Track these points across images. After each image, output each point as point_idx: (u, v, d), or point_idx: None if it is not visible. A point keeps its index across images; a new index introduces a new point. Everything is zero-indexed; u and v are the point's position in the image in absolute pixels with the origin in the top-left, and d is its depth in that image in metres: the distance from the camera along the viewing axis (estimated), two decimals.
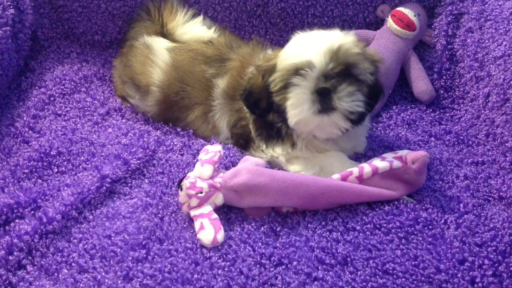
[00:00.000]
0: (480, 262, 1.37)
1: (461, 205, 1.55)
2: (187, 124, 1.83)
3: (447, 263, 1.36)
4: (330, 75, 1.52)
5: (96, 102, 1.95)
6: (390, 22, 2.10)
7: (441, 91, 2.06)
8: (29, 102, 1.90)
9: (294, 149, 1.66)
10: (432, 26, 2.14)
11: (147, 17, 2.02)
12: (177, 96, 1.82)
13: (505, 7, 1.88)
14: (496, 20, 1.90)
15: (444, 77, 2.06)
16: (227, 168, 1.59)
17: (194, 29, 1.98)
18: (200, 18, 2.03)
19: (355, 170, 1.55)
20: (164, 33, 1.96)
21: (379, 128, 1.92)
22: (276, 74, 1.58)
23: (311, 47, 1.55)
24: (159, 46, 1.86)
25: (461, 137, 1.87)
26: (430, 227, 1.47)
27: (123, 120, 1.88)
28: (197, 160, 1.55)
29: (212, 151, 1.54)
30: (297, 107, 1.55)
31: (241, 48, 1.82)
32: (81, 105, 1.93)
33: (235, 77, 1.74)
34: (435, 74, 2.08)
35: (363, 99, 1.56)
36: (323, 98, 1.52)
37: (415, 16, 2.10)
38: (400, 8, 2.12)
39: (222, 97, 1.76)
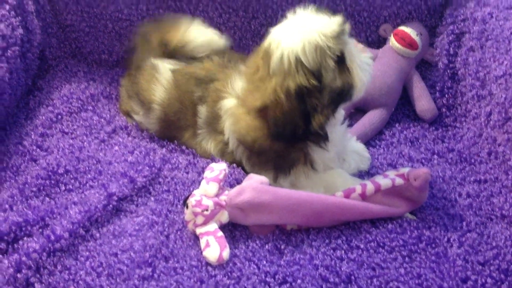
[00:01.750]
0: (483, 280, 1.38)
1: (464, 223, 1.56)
2: (184, 144, 1.85)
3: (450, 282, 1.38)
4: None
5: (102, 120, 1.97)
6: (392, 41, 2.13)
7: (443, 110, 2.08)
8: (37, 121, 1.93)
9: (305, 177, 1.67)
10: (434, 45, 2.17)
11: (147, 43, 2.02)
12: (175, 116, 1.84)
13: (506, 26, 1.91)
14: (497, 39, 1.92)
15: (446, 95, 2.08)
16: (231, 186, 1.61)
17: (201, 32, 1.94)
18: (199, 20, 1.98)
19: (358, 188, 1.57)
20: (171, 53, 1.96)
21: (382, 146, 1.94)
22: (323, 66, 1.52)
23: (314, 21, 1.56)
24: (164, 66, 1.88)
25: (464, 155, 1.89)
26: (433, 245, 1.49)
27: (129, 138, 1.90)
28: (203, 178, 1.57)
29: (217, 169, 1.56)
30: (363, 62, 1.61)
31: (229, 68, 1.79)
32: (88, 123, 1.95)
33: (211, 106, 1.74)
34: (437, 93, 2.10)
35: None
36: None
37: (417, 35, 2.12)
38: (402, 27, 2.15)
39: (205, 126, 1.78)
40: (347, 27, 1.57)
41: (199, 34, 1.93)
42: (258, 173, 1.62)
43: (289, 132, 1.55)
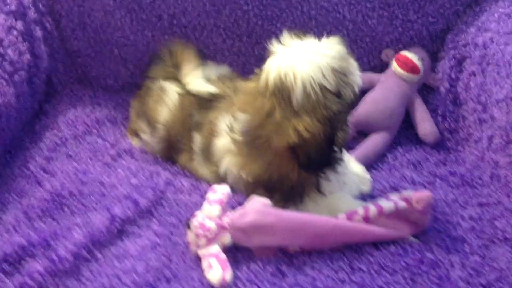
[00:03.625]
0: None
1: (466, 246, 1.56)
2: (182, 167, 1.88)
3: None
4: None
5: (107, 143, 1.99)
6: (394, 65, 2.15)
7: (446, 133, 2.09)
8: (42, 144, 1.95)
9: (312, 202, 1.66)
10: (436, 70, 2.19)
11: (161, 63, 2.05)
12: (175, 137, 1.87)
13: (507, 51, 1.92)
14: (497, 64, 1.94)
15: (448, 119, 2.10)
16: (233, 208, 1.62)
17: (194, 82, 1.92)
18: (199, 71, 1.94)
19: (360, 211, 1.57)
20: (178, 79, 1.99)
21: (384, 169, 1.94)
22: (345, 82, 1.54)
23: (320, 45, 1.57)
24: (172, 89, 1.92)
25: (466, 179, 1.89)
26: (436, 267, 1.48)
27: (133, 161, 1.91)
28: (205, 200, 1.58)
29: (220, 191, 1.57)
30: None
31: (226, 100, 1.78)
32: (92, 147, 1.97)
33: (206, 137, 1.75)
34: (439, 117, 2.11)
35: None
36: None
37: (419, 60, 2.15)
38: (404, 52, 2.17)
39: (200, 152, 1.79)
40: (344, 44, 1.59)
41: (214, 70, 1.97)
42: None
43: (319, 161, 1.54)
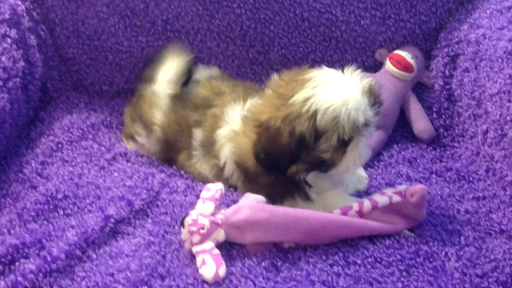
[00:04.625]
0: None
1: (462, 238, 1.55)
2: (180, 166, 1.89)
3: None
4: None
5: (102, 148, 1.99)
6: (388, 64, 2.16)
7: (441, 130, 2.10)
8: (38, 150, 1.95)
9: (305, 200, 1.68)
10: (430, 68, 2.20)
11: (155, 67, 2.06)
12: (173, 138, 1.88)
13: (499, 46, 1.93)
14: (490, 59, 1.94)
15: (443, 116, 2.10)
16: (229, 207, 1.61)
17: (159, 83, 1.95)
18: (169, 73, 1.94)
19: (355, 205, 1.57)
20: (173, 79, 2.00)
21: (380, 166, 1.94)
22: (328, 138, 1.53)
23: (356, 100, 1.51)
24: (163, 92, 1.92)
25: (462, 174, 1.89)
26: (431, 259, 1.47)
27: (129, 164, 1.91)
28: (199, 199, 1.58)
29: (214, 188, 1.57)
30: (361, 155, 1.59)
31: (226, 95, 1.82)
32: (88, 152, 1.97)
33: (208, 131, 1.78)
34: (434, 114, 2.12)
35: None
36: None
37: (412, 58, 2.15)
38: (397, 51, 2.18)
39: (200, 148, 1.81)
40: (374, 119, 1.58)
41: (204, 72, 2.00)
42: None
43: (270, 160, 1.58)
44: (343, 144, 1.55)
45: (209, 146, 1.78)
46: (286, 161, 1.57)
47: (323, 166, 1.59)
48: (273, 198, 1.66)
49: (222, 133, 1.74)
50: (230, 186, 1.75)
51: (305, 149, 1.55)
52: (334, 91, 1.51)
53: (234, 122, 1.71)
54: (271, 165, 1.60)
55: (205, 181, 1.78)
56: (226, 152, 1.73)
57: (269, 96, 1.63)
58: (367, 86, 1.55)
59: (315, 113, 1.51)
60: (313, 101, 1.51)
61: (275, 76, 1.65)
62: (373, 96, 1.56)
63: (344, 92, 1.51)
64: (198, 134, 1.81)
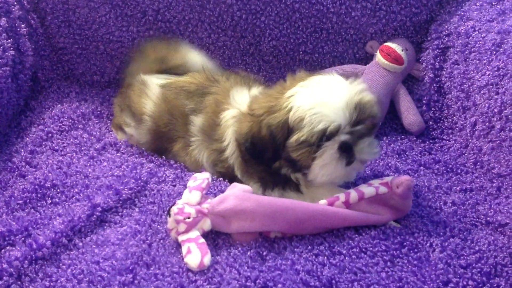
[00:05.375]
0: (464, 283, 1.38)
1: (448, 229, 1.56)
2: (174, 155, 1.89)
3: (431, 284, 1.37)
4: (354, 132, 1.55)
5: (92, 138, 2.00)
6: (378, 56, 2.16)
7: (430, 122, 2.11)
8: (27, 139, 1.95)
9: (295, 192, 1.69)
10: (420, 60, 2.20)
11: (143, 57, 2.07)
12: (166, 127, 1.88)
13: (488, 38, 1.93)
14: (479, 51, 1.95)
15: (432, 108, 2.11)
16: (215, 196, 1.61)
17: (198, 56, 2.03)
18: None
19: (341, 196, 1.57)
20: (164, 69, 2.02)
21: None
22: (296, 136, 1.54)
23: (333, 106, 1.51)
24: (152, 82, 1.94)
25: (450, 166, 1.90)
26: (416, 250, 1.48)
27: (118, 154, 1.92)
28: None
29: (200, 178, 1.58)
30: (327, 167, 1.57)
31: (222, 82, 1.84)
32: (77, 141, 1.97)
33: (210, 115, 1.78)
34: (424, 106, 2.12)
35: (378, 144, 1.62)
36: (347, 153, 1.55)
37: (402, 50, 2.16)
38: (388, 43, 2.18)
39: (200, 134, 1.81)
40: (353, 137, 1.55)
41: (197, 58, 2.01)
42: (247, 183, 1.67)
43: (255, 150, 1.62)
44: (313, 149, 1.55)
45: (211, 130, 1.78)
46: (269, 154, 1.60)
47: (296, 166, 1.61)
48: (265, 184, 1.69)
49: (229, 114, 1.74)
50: (226, 172, 1.76)
51: (280, 144, 1.58)
52: (313, 93, 1.54)
53: (241, 104, 1.72)
54: (256, 155, 1.63)
55: (198, 170, 1.79)
56: (231, 132, 1.73)
57: (273, 89, 1.68)
58: (357, 99, 1.54)
59: (290, 110, 1.55)
60: (293, 98, 1.55)
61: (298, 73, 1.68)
62: (362, 112, 1.54)
63: (320, 97, 1.53)
64: (197, 121, 1.81)
